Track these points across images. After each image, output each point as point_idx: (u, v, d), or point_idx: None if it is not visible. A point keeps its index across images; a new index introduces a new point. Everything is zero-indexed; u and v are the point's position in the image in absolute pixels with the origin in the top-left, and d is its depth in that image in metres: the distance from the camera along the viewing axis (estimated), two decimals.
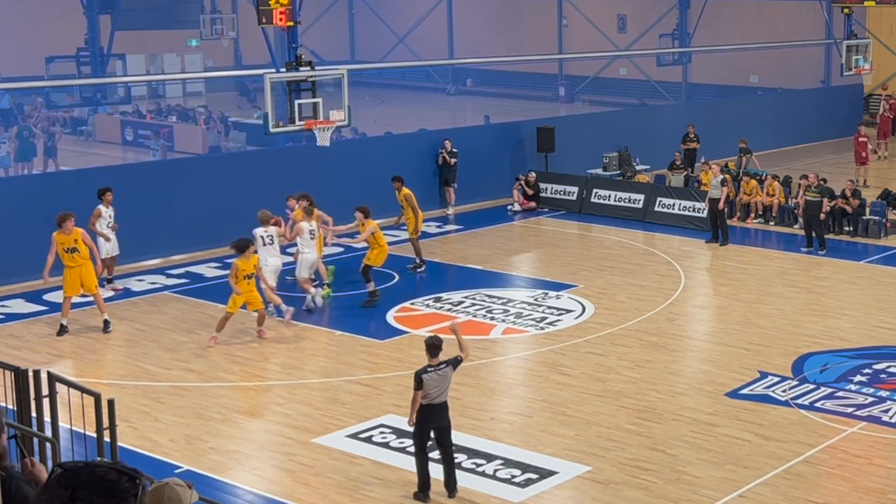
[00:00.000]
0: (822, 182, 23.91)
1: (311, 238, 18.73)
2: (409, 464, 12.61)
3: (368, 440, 13.41)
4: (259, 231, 18.09)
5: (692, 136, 30.90)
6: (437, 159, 26.72)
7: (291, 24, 19.44)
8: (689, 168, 29.59)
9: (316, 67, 20.23)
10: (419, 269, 21.38)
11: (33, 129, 32.92)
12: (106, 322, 17.60)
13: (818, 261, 22.62)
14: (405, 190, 21.22)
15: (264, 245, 18.03)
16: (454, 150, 26.73)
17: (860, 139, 31.23)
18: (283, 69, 19.78)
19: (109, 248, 19.79)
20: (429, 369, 11.66)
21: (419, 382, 11.57)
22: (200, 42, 47.39)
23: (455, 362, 11.86)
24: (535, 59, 47.78)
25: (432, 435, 11.88)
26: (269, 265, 17.87)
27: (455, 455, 12.77)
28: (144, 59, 48.64)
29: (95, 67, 30.33)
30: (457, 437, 13.31)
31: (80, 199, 21.32)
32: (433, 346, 11.80)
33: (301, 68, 19.57)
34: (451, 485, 11.95)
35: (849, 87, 39.11)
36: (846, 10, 31.90)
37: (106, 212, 19.66)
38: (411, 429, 11.96)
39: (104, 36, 30.86)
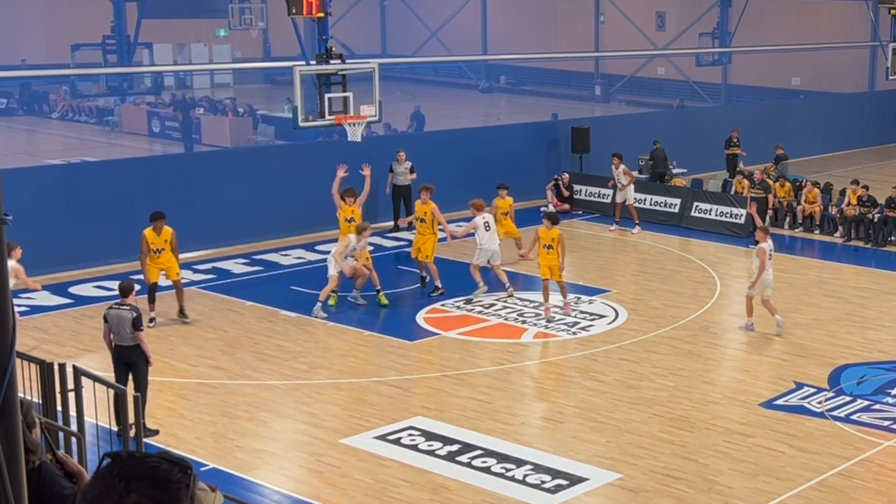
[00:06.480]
0: (766, 178, 24.99)
1: (486, 230, 19.26)
2: (439, 467, 12.49)
3: (397, 442, 13.23)
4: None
5: (735, 140, 30.00)
6: (388, 178, 24.24)
7: (322, 15, 18.92)
8: (730, 174, 29.02)
9: (346, 61, 19.84)
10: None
11: None
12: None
13: (857, 270, 22.26)
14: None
15: (487, 231, 19.17)
16: (409, 162, 24.41)
17: None
18: (313, 62, 19.37)
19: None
20: (114, 306, 13.25)
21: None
22: (229, 32, 46.45)
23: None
24: (570, 57, 47.39)
25: None
26: (488, 248, 19.24)
27: (485, 459, 12.62)
28: (171, 48, 47.79)
29: (122, 56, 29.79)
30: (486, 441, 13.20)
31: (104, 190, 21.22)
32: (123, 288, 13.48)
33: (331, 61, 19.18)
34: None
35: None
36: (893, 12, 30.99)
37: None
38: None
39: (131, 24, 30.33)
